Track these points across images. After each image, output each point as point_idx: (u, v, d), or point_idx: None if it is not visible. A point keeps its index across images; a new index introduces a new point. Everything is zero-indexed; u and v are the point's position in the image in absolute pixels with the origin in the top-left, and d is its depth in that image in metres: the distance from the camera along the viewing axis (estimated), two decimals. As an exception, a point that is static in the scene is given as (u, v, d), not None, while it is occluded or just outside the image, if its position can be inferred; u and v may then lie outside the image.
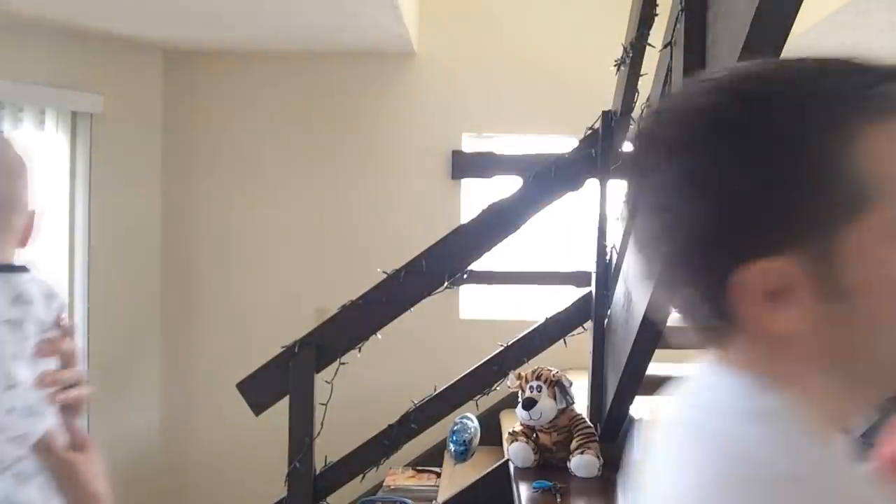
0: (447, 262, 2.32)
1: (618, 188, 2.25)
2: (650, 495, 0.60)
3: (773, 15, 1.05)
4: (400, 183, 3.82)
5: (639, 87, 2.14)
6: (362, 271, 2.45)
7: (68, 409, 0.89)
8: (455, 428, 2.63)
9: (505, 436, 2.40)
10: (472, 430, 2.62)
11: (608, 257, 2.25)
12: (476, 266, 2.38)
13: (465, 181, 3.83)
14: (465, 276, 2.38)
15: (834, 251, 0.52)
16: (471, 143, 3.89)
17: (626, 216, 0.62)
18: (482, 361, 2.49)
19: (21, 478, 0.81)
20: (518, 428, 2.33)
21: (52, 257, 3.31)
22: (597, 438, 2.25)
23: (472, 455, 2.62)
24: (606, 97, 2.32)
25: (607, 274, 2.24)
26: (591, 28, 3.57)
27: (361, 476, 2.42)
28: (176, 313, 3.81)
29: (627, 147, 0.62)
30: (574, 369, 2.51)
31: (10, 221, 0.88)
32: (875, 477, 0.69)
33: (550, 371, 2.30)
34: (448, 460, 3.01)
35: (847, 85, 0.53)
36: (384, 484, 3.13)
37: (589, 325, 2.37)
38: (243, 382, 2.29)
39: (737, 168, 0.53)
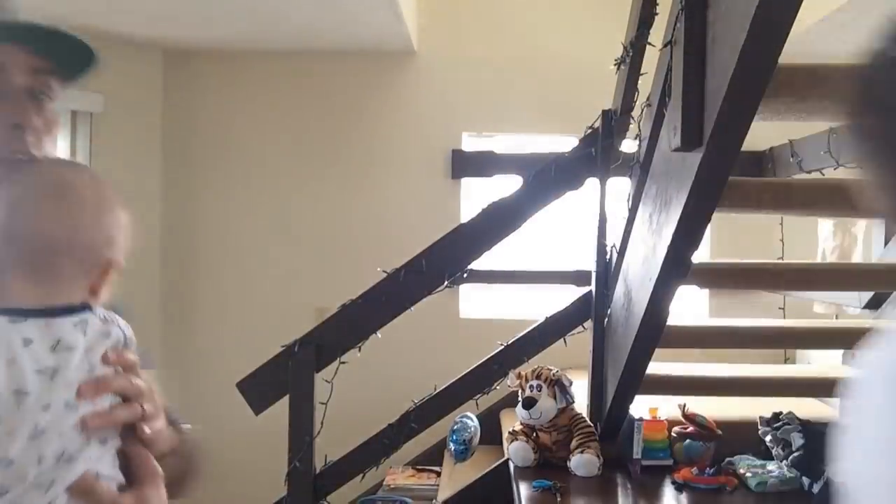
0: (447, 261, 2.32)
1: (617, 187, 2.24)
2: (860, 443, 0.58)
3: (773, 14, 1.05)
4: (400, 182, 3.82)
5: (639, 86, 2.14)
6: (362, 270, 2.45)
7: (130, 440, 0.83)
8: (455, 427, 2.63)
9: (505, 435, 2.40)
10: (473, 429, 2.61)
11: (608, 256, 2.25)
12: (476, 265, 2.38)
13: (465, 180, 3.83)
14: (464, 275, 2.38)
15: None
16: (471, 143, 3.89)
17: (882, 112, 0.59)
18: (482, 361, 2.49)
19: None
20: (518, 427, 2.33)
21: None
22: (597, 437, 2.26)
23: (472, 454, 2.62)
24: (606, 96, 2.32)
25: (607, 273, 2.24)
26: (591, 27, 3.57)
27: (361, 475, 2.42)
28: (176, 312, 3.81)
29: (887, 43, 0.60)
30: (574, 368, 2.51)
31: (63, 267, 0.81)
32: None
33: (550, 370, 2.30)
34: (448, 459, 3.01)
35: None
36: (384, 483, 3.13)
37: (589, 324, 2.37)
38: (243, 382, 2.29)
39: None
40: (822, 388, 2.46)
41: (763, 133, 1.89)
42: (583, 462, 2.18)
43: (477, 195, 3.73)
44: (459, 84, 3.79)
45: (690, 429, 2.28)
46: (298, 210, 3.81)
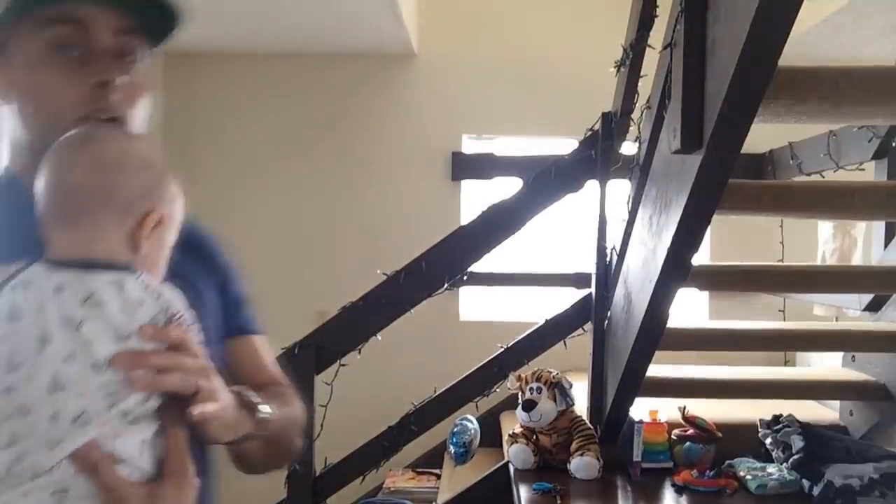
0: (447, 263, 2.32)
1: (617, 189, 2.24)
2: None
3: (773, 16, 1.05)
4: (400, 184, 3.82)
5: (639, 88, 2.14)
6: (362, 273, 2.45)
7: (172, 422, 0.78)
8: (455, 430, 2.63)
9: (505, 437, 2.39)
10: (472, 431, 2.61)
11: (608, 259, 2.25)
12: (476, 267, 2.38)
13: (465, 183, 3.83)
14: (464, 277, 2.38)
15: None
16: (471, 145, 3.89)
17: None
18: (482, 363, 2.49)
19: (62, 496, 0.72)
20: (518, 430, 2.32)
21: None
22: (597, 440, 2.25)
23: (472, 457, 2.62)
24: (606, 99, 2.32)
25: (607, 275, 2.24)
26: (591, 29, 3.57)
27: (361, 478, 2.42)
28: (176, 315, 3.80)
29: None
30: (574, 371, 2.51)
31: (100, 217, 0.80)
32: None
33: (550, 373, 2.30)
34: (448, 462, 3.01)
35: None
36: (384, 486, 3.13)
37: (589, 326, 2.37)
38: (243, 384, 2.28)
39: None
40: (823, 390, 2.46)
41: (763, 135, 1.89)
42: (583, 465, 2.18)
43: (477, 197, 3.73)
44: (459, 86, 3.79)
45: (690, 431, 2.28)
46: (298, 212, 3.81)
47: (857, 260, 2.95)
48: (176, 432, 0.78)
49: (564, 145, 2.74)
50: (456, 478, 2.89)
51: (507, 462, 2.34)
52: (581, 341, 2.44)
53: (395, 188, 3.82)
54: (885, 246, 2.34)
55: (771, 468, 2.17)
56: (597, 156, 2.25)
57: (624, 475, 2.23)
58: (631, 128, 2.21)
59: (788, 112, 1.36)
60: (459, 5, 3.81)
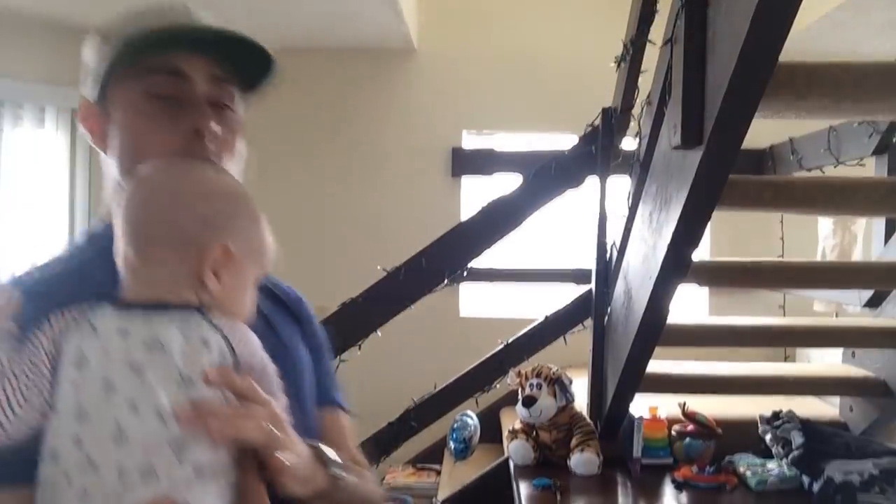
0: (447, 259, 2.32)
1: (617, 185, 2.24)
2: None
3: (773, 12, 1.05)
4: (400, 180, 3.82)
5: (639, 84, 2.14)
6: (362, 269, 2.45)
7: (248, 470, 0.74)
8: (455, 426, 2.63)
9: (505, 433, 2.40)
10: (473, 427, 2.62)
11: (608, 255, 2.25)
12: (476, 263, 2.39)
13: (465, 178, 3.83)
14: (465, 273, 2.38)
15: None
16: (471, 141, 3.89)
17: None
18: (482, 359, 2.50)
19: None
20: (518, 426, 2.33)
21: (51, 257, 3.31)
22: (597, 436, 2.25)
23: (472, 453, 2.62)
24: (606, 94, 2.32)
25: (607, 271, 2.24)
26: (592, 25, 3.57)
27: (361, 474, 2.41)
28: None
29: None
30: (574, 367, 2.51)
31: (160, 252, 0.77)
32: None
33: (550, 369, 2.30)
34: (448, 458, 3.01)
35: None
36: (384, 482, 3.13)
37: (589, 322, 2.37)
38: (243, 380, 2.29)
39: None
40: (823, 386, 2.46)
41: (763, 131, 1.89)
42: (583, 461, 2.18)
43: (477, 193, 3.73)
44: (460, 82, 3.79)
45: (690, 427, 2.28)
46: (298, 208, 3.81)
47: (857, 256, 2.95)
48: (252, 484, 0.75)
49: (564, 141, 2.74)
50: (456, 474, 2.90)
51: (507, 458, 2.35)
52: (581, 337, 2.44)
53: (395, 184, 3.82)
54: (886, 242, 2.34)
55: (771, 464, 2.17)
56: (597, 151, 2.25)
57: (624, 471, 2.23)
58: (631, 123, 2.21)
59: (789, 108, 1.36)
60: (460, 1, 3.81)
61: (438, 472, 3.17)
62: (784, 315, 3.31)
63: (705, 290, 3.74)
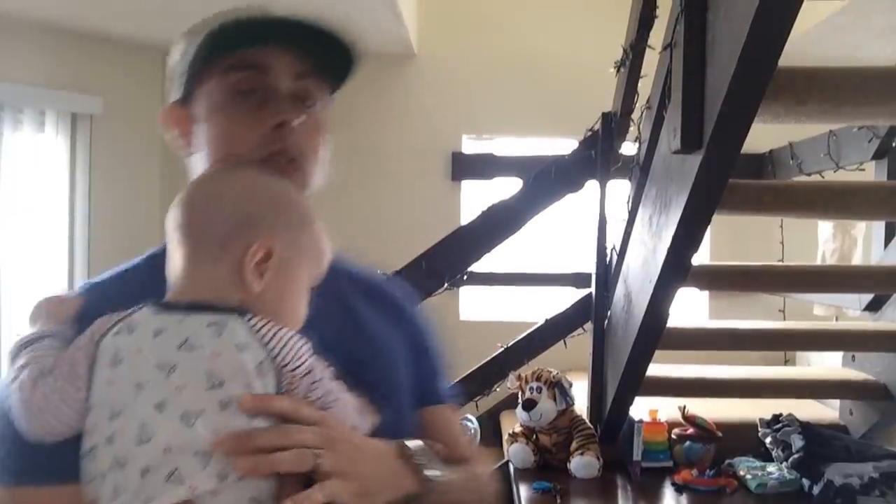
0: (447, 263, 2.32)
1: (617, 189, 2.25)
2: None
3: (773, 16, 1.05)
4: (400, 184, 3.82)
5: (639, 88, 2.14)
6: (362, 272, 2.44)
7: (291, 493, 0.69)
8: (455, 429, 2.63)
9: (505, 437, 2.40)
10: (472, 430, 2.61)
11: (608, 258, 2.25)
12: (476, 267, 2.39)
13: (465, 183, 3.83)
14: (465, 277, 2.38)
15: None
16: (471, 145, 3.89)
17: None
18: (482, 362, 2.49)
19: None
20: (518, 429, 2.33)
21: (51, 259, 3.31)
22: (597, 439, 2.26)
23: (472, 456, 2.61)
24: (606, 99, 2.32)
25: (607, 275, 2.24)
26: (591, 30, 3.57)
27: (361, 477, 2.41)
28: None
29: None
30: (574, 370, 2.51)
31: (198, 253, 0.77)
32: None
33: (550, 372, 2.30)
34: (448, 461, 3.00)
35: None
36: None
37: (589, 326, 2.37)
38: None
39: None
40: (823, 389, 2.46)
41: (763, 135, 1.89)
42: (583, 464, 2.18)
43: (477, 197, 3.74)
44: (459, 86, 3.79)
45: (690, 430, 2.28)
46: (298, 212, 3.81)
47: (857, 260, 2.95)
48: (290, 490, 0.70)
49: (564, 145, 2.74)
50: (456, 477, 2.89)
51: (507, 461, 2.34)
52: (581, 341, 2.44)
53: (395, 188, 3.82)
54: (885, 246, 2.34)
55: (771, 467, 2.17)
56: (597, 156, 2.25)
57: (624, 474, 2.23)
58: (631, 128, 2.22)
59: (788, 112, 1.36)
60: (460, 5, 3.81)
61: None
62: (784, 319, 3.31)
63: (705, 293, 3.74)
